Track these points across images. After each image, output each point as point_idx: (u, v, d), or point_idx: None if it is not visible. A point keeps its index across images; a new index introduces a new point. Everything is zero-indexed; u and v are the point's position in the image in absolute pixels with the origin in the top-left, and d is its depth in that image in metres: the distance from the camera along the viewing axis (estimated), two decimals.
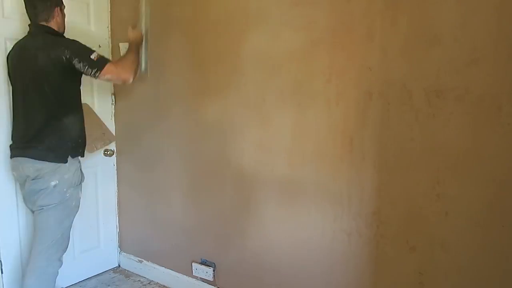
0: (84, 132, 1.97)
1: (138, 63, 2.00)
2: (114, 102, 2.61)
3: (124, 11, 2.47)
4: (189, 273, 2.34)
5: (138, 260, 2.64)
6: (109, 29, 2.53)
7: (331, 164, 1.74)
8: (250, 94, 1.96)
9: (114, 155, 2.64)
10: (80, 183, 1.96)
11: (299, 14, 1.75)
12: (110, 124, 2.61)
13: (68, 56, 1.74)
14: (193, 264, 2.31)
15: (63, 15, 1.93)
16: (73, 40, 1.83)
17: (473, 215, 1.42)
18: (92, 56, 1.78)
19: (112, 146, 2.63)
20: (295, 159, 1.85)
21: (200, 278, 2.29)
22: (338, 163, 1.71)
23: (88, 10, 2.41)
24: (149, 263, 2.58)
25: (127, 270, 2.70)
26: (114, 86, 2.59)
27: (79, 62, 1.76)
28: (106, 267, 2.69)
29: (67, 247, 1.95)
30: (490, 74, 1.34)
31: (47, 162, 1.79)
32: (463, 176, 1.43)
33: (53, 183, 1.81)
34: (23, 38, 1.91)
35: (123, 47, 2.45)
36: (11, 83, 1.95)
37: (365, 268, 1.69)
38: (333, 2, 1.66)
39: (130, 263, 2.68)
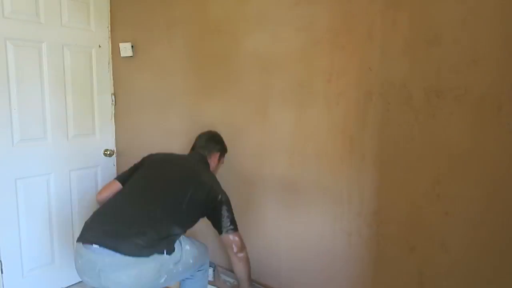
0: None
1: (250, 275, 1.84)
2: (114, 102, 2.61)
3: (124, 11, 2.47)
4: None
5: None
6: (109, 29, 2.53)
7: (331, 164, 1.74)
8: (250, 94, 1.96)
9: (114, 155, 2.64)
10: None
11: (299, 14, 1.75)
12: (110, 124, 2.61)
13: (221, 200, 1.71)
14: None
15: (219, 164, 1.97)
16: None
17: (473, 215, 1.42)
18: (234, 215, 1.75)
19: (112, 146, 2.63)
20: (295, 159, 1.85)
21: None
22: (338, 163, 1.71)
23: (88, 10, 2.41)
24: None
25: None
26: (114, 86, 2.59)
27: (227, 211, 1.71)
28: None
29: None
30: (490, 74, 1.34)
31: (146, 260, 1.47)
32: (463, 176, 1.43)
33: (162, 280, 1.54)
34: (178, 154, 1.95)
35: (123, 47, 2.45)
36: (138, 173, 1.80)
37: (365, 268, 1.69)
38: (333, 2, 1.66)
39: None
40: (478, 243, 1.43)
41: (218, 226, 1.72)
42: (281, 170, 1.90)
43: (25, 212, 2.20)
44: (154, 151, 2.44)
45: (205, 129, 2.16)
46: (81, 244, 1.50)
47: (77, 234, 2.43)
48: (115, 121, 2.63)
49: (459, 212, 1.45)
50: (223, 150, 1.97)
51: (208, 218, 1.75)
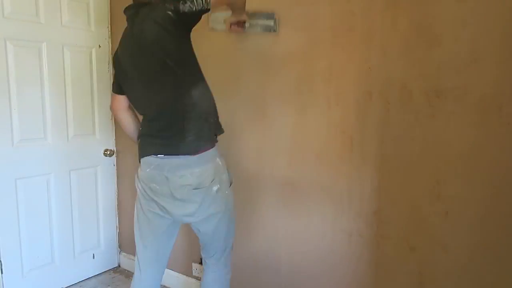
0: (214, 101, 1.62)
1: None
2: None
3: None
4: (189, 273, 2.34)
5: None
6: (109, 29, 2.53)
7: (331, 164, 1.74)
8: (250, 94, 1.96)
9: (114, 155, 2.64)
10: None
11: (299, 14, 1.75)
12: (110, 124, 2.61)
13: (172, 8, 1.37)
14: (193, 264, 2.31)
15: None
16: None
17: (473, 215, 1.42)
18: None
19: (112, 146, 2.63)
20: (295, 159, 1.85)
21: (200, 278, 2.28)
22: (338, 163, 1.71)
23: (88, 10, 2.41)
24: None
25: (127, 270, 2.70)
26: None
27: (185, 2, 1.37)
28: (106, 267, 2.69)
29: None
30: (490, 74, 1.34)
31: (206, 156, 1.50)
32: (463, 176, 1.43)
33: (215, 187, 1.52)
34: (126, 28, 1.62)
35: None
36: (125, 85, 1.62)
37: (366, 268, 1.69)
38: (333, 2, 1.66)
39: (130, 263, 2.67)
40: (478, 243, 1.43)
41: (200, 10, 1.43)
42: (281, 170, 1.90)
43: (25, 212, 2.19)
44: None
45: None
46: (147, 157, 1.55)
47: (77, 234, 2.46)
48: (115, 121, 2.63)
49: (459, 212, 1.45)
50: None
51: (190, 20, 1.46)
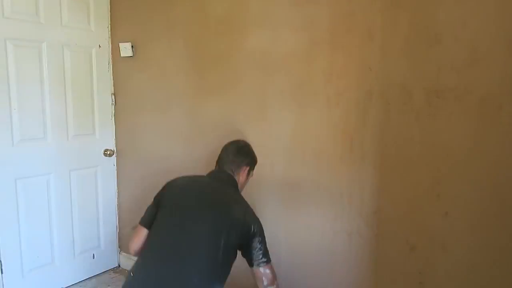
0: None
1: None
2: (114, 102, 2.61)
3: (124, 11, 2.47)
4: None
5: None
6: (109, 29, 2.53)
7: (331, 164, 1.73)
8: (250, 94, 1.96)
9: (114, 155, 2.64)
10: None
11: (299, 14, 1.75)
12: (110, 124, 2.61)
13: (254, 232, 1.47)
14: None
15: (248, 179, 1.70)
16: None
17: (473, 215, 1.42)
18: (266, 244, 1.52)
19: (112, 146, 2.63)
20: (295, 159, 1.85)
21: None
22: (338, 163, 1.71)
23: (88, 10, 2.41)
24: None
25: (127, 270, 2.69)
26: (114, 86, 2.59)
27: (260, 243, 1.48)
28: (106, 267, 2.69)
29: None
30: (490, 74, 1.34)
31: None
32: (463, 176, 1.43)
33: None
34: (199, 175, 1.70)
35: (123, 47, 2.45)
36: (163, 219, 1.53)
37: (366, 268, 1.69)
38: (333, 2, 1.66)
39: (130, 263, 2.66)
40: (478, 243, 1.43)
41: (248, 257, 1.52)
42: (281, 170, 1.90)
43: (25, 212, 2.19)
44: (154, 151, 2.45)
45: (205, 129, 2.16)
46: None
47: (77, 234, 2.45)
48: (115, 121, 2.63)
49: (459, 212, 1.45)
50: (252, 163, 1.70)
51: (238, 250, 1.53)
